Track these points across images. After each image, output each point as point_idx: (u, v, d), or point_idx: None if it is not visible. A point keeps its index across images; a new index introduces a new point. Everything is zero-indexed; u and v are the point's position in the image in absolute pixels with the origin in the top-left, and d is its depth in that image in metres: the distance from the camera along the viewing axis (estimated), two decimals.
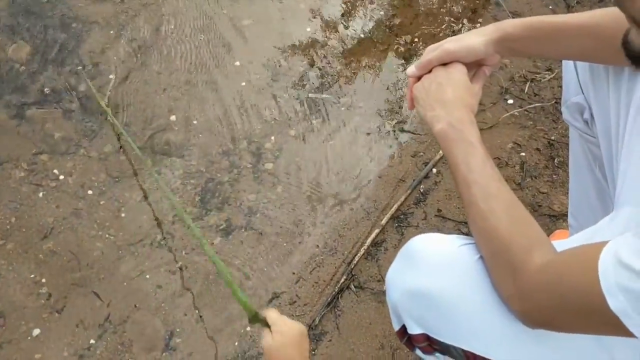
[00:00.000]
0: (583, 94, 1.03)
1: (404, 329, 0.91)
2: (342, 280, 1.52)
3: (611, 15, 0.88)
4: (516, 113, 1.86)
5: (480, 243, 0.83)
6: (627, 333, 0.65)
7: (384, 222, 1.62)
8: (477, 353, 0.83)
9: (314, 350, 1.42)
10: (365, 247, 1.58)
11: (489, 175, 0.83)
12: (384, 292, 1.51)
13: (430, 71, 0.98)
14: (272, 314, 0.92)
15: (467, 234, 1.54)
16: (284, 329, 0.89)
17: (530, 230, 0.79)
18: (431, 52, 0.97)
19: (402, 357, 1.41)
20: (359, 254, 1.57)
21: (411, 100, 1.01)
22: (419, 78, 1.00)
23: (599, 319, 0.67)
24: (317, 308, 1.48)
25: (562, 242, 0.87)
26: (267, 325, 0.91)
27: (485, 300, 0.81)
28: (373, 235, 1.60)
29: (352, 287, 1.52)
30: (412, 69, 1.00)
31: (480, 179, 0.83)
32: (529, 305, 0.76)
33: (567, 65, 1.06)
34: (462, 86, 0.93)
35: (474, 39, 0.95)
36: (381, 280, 1.53)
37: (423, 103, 0.95)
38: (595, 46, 0.90)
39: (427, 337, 0.87)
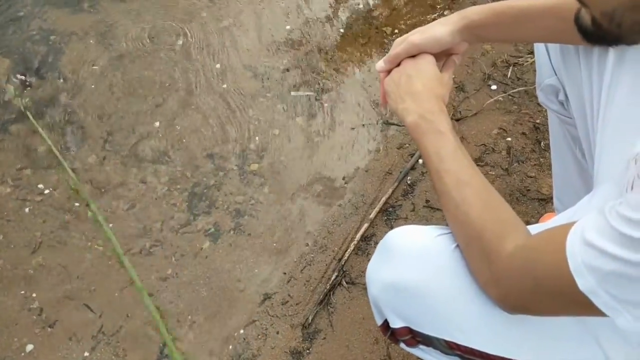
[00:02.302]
0: (556, 75, 1.02)
1: (386, 323, 0.90)
2: (334, 277, 1.51)
3: None
4: (500, 98, 1.85)
5: (455, 231, 0.83)
6: (598, 312, 0.65)
7: (372, 216, 1.61)
8: (460, 343, 0.83)
9: (308, 349, 1.42)
10: (355, 242, 1.57)
11: (460, 164, 0.83)
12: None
13: (399, 64, 0.97)
14: None
15: None
16: None
17: (503, 215, 0.79)
18: (398, 45, 0.96)
19: (397, 350, 1.40)
20: (349, 250, 1.56)
21: (383, 96, 1.00)
22: (389, 72, 0.99)
23: (571, 300, 0.67)
24: (310, 306, 1.48)
25: (543, 225, 0.87)
26: None
27: (464, 289, 0.81)
28: (362, 230, 1.59)
29: (344, 283, 1.51)
30: (380, 64, 0.99)
31: (452, 168, 0.82)
32: (505, 291, 0.75)
33: (539, 48, 1.05)
34: (431, 77, 0.93)
35: (439, 29, 0.94)
36: None
37: (394, 96, 0.94)
38: (560, 27, 0.89)
39: (409, 330, 0.87)
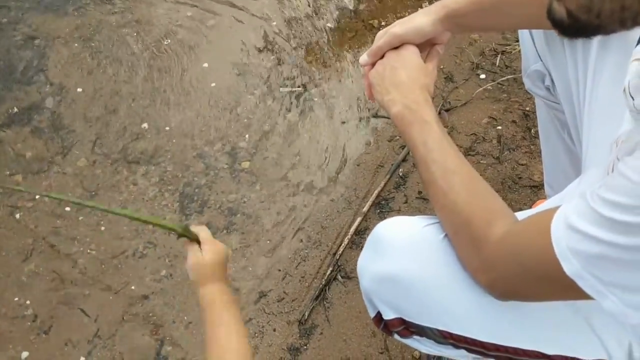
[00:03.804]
0: (541, 61, 1.02)
1: (379, 315, 0.90)
2: (329, 272, 1.51)
3: None
4: (489, 87, 1.85)
5: (443, 220, 0.83)
6: (586, 296, 0.65)
7: (365, 209, 1.61)
8: (452, 331, 0.83)
9: (305, 345, 1.41)
10: (349, 236, 1.57)
11: (446, 153, 0.83)
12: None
13: (383, 57, 0.97)
14: (203, 233, 0.92)
15: None
16: (216, 248, 0.90)
17: (490, 202, 0.79)
18: (380, 38, 0.96)
19: (395, 343, 1.40)
20: (343, 244, 1.55)
21: (369, 89, 1.00)
22: (373, 65, 0.99)
23: (558, 284, 0.67)
24: (306, 302, 1.47)
25: (532, 211, 0.87)
26: (198, 241, 0.91)
27: (454, 278, 0.81)
28: (356, 223, 1.58)
29: (339, 277, 1.51)
30: (364, 58, 0.99)
31: (438, 157, 0.82)
32: (493, 277, 0.75)
33: (523, 35, 1.05)
34: (415, 67, 0.92)
35: (420, 19, 0.94)
36: None
37: (379, 88, 0.94)
38: (540, 13, 0.89)
39: (402, 321, 0.87)
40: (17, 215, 1.63)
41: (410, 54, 0.94)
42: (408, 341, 0.92)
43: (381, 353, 1.39)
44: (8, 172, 1.70)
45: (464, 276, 0.80)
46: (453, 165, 0.81)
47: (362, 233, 1.59)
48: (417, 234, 0.85)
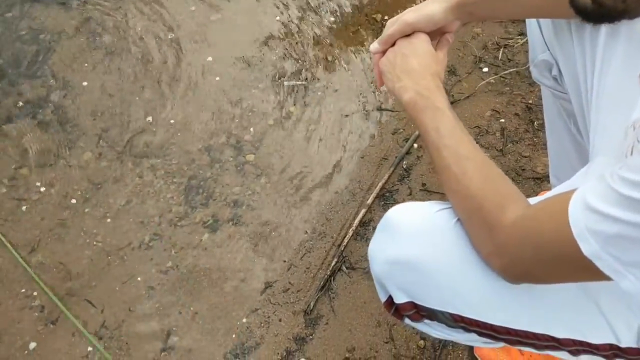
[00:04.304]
0: (549, 50, 1.03)
1: (390, 300, 0.91)
2: (334, 263, 1.52)
3: None
4: (492, 80, 1.86)
5: (455, 205, 0.84)
6: (603, 276, 0.65)
7: (369, 201, 1.62)
8: (464, 315, 0.84)
9: (311, 335, 1.43)
10: (353, 228, 1.58)
11: (459, 138, 0.83)
12: None
13: (393, 45, 0.98)
14: None
15: None
16: None
17: (502, 187, 0.80)
18: (391, 25, 0.97)
19: (400, 332, 1.41)
20: (347, 236, 1.57)
21: (379, 77, 1.01)
22: (384, 53, 1.00)
23: (574, 266, 0.68)
24: (311, 293, 1.49)
25: (539, 197, 0.88)
26: None
27: (466, 262, 0.81)
28: (360, 215, 1.60)
29: (344, 268, 1.52)
30: (375, 46, 1.00)
31: (450, 143, 0.83)
32: (507, 260, 0.76)
33: (531, 24, 1.06)
34: (426, 54, 0.93)
35: (432, 7, 0.95)
36: None
37: (390, 76, 0.95)
38: (551, 2, 0.90)
39: (414, 305, 0.88)
40: (24, 208, 1.64)
41: (421, 41, 0.95)
42: (418, 325, 0.93)
43: (386, 342, 1.40)
44: (14, 166, 1.71)
45: (476, 260, 0.81)
46: (466, 151, 0.82)
47: (366, 225, 1.60)
48: (430, 218, 0.86)
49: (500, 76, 1.86)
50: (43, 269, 1.54)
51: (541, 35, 1.03)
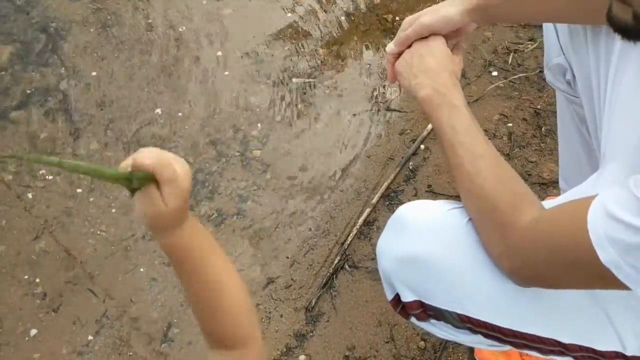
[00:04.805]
0: (564, 54, 1.02)
1: (397, 298, 0.91)
2: (337, 261, 1.52)
3: None
4: (501, 84, 1.85)
5: (468, 204, 0.83)
6: (618, 285, 0.65)
7: (374, 201, 1.62)
8: (471, 316, 0.84)
9: (312, 332, 1.43)
10: (357, 227, 1.58)
11: (474, 137, 0.83)
12: (378, 270, 1.51)
13: (410, 46, 0.98)
14: (163, 171, 0.59)
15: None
16: (179, 188, 0.60)
17: (517, 188, 0.80)
18: (408, 26, 0.97)
19: (401, 332, 1.41)
20: (351, 234, 1.56)
21: (392, 74, 1.01)
22: (399, 54, 1.00)
23: (589, 273, 0.67)
24: (313, 290, 1.49)
25: (551, 202, 0.87)
26: (154, 180, 0.60)
27: (476, 262, 0.81)
28: (365, 214, 1.60)
29: (347, 267, 1.52)
30: (391, 46, 1.00)
31: (465, 141, 0.83)
32: (519, 263, 0.76)
33: (547, 27, 1.06)
34: (443, 54, 0.94)
35: (449, 9, 0.95)
36: (375, 258, 1.53)
37: (406, 75, 0.95)
38: (566, 6, 0.90)
39: (420, 304, 0.87)
40: (30, 195, 1.64)
41: (438, 43, 0.95)
42: (424, 325, 0.93)
43: (387, 342, 1.40)
44: (21, 153, 1.71)
45: (486, 261, 0.81)
46: (481, 150, 0.82)
47: (370, 224, 1.60)
48: (441, 216, 0.86)
49: (510, 80, 1.86)
50: (46, 257, 1.55)
51: (557, 39, 1.03)
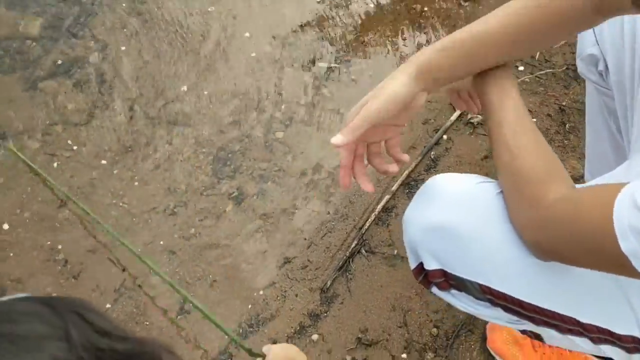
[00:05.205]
0: (598, 45, 1.02)
1: (420, 267, 0.92)
2: (353, 245, 1.53)
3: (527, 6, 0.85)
4: (527, 79, 1.85)
5: (502, 177, 0.85)
6: (634, 274, 0.65)
7: (394, 188, 1.63)
8: (493, 287, 0.84)
9: (326, 312, 1.44)
10: (375, 213, 1.59)
11: (519, 114, 0.84)
12: (395, 256, 1.52)
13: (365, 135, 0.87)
14: (267, 348, 0.88)
15: None
16: (278, 355, 0.86)
17: (552, 165, 0.81)
18: (354, 115, 0.87)
19: (414, 318, 1.42)
20: (369, 220, 1.58)
21: (347, 176, 0.91)
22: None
23: (608, 259, 0.68)
24: (329, 272, 1.50)
25: (578, 186, 0.88)
26: (263, 356, 0.88)
27: (503, 236, 0.82)
28: (384, 201, 1.60)
29: (363, 251, 1.53)
30: (338, 138, 0.85)
31: (510, 117, 0.84)
32: (541, 237, 0.77)
33: None
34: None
35: (392, 84, 0.86)
36: (392, 244, 1.54)
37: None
38: (513, 51, 0.88)
39: (443, 273, 0.88)
40: (55, 164, 1.67)
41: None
42: (445, 295, 0.93)
43: (399, 327, 1.41)
44: (49, 122, 1.74)
45: (513, 234, 0.82)
46: (522, 128, 0.83)
47: (389, 211, 1.60)
48: (472, 188, 0.87)
49: (536, 76, 1.85)
50: (69, 225, 1.58)
51: (592, 29, 1.02)
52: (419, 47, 1.98)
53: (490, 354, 1.36)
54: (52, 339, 0.49)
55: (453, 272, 0.87)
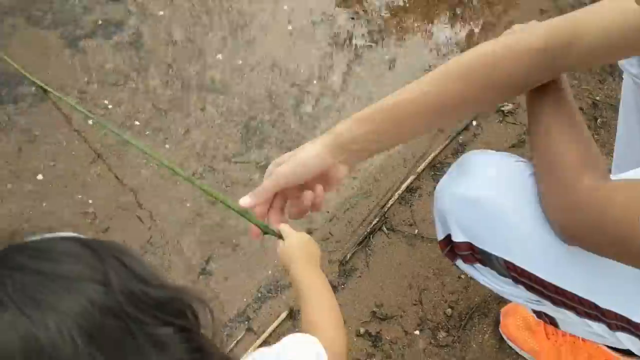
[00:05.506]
0: None
1: (447, 239, 0.94)
2: (375, 221, 1.55)
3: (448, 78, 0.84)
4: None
5: (538, 158, 0.86)
6: None
7: (420, 169, 1.64)
8: (518, 264, 0.86)
9: (343, 285, 1.47)
10: (399, 192, 1.60)
11: (561, 97, 0.85)
12: (415, 236, 1.54)
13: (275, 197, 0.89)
14: (284, 227, 0.93)
15: None
16: (294, 237, 0.92)
17: (589, 154, 0.81)
18: (273, 168, 0.88)
19: (429, 297, 1.44)
20: (393, 199, 1.59)
21: (254, 232, 0.93)
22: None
23: (631, 253, 0.69)
24: (349, 246, 1.53)
25: (623, 175, 0.89)
26: (280, 236, 0.93)
27: (534, 216, 0.84)
28: (408, 181, 1.62)
29: (384, 229, 1.55)
30: (246, 200, 0.88)
31: (551, 100, 0.85)
32: (568, 222, 0.78)
33: None
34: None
35: (307, 151, 0.85)
36: (413, 224, 1.56)
37: None
38: (443, 119, 0.89)
39: (470, 246, 0.90)
40: (90, 122, 1.71)
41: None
42: (469, 268, 0.95)
43: (414, 304, 1.44)
44: (86, 79, 1.78)
45: (543, 215, 0.83)
46: (564, 109, 0.84)
47: (413, 191, 1.62)
48: (507, 165, 0.89)
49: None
50: (100, 181, 1.62)
51: None
52: (455, 32, 1.98)
53: (502, 338, 1.38)
54: (91, 282, 0.51)
55: (480, 246, 0.89)
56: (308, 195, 0.87)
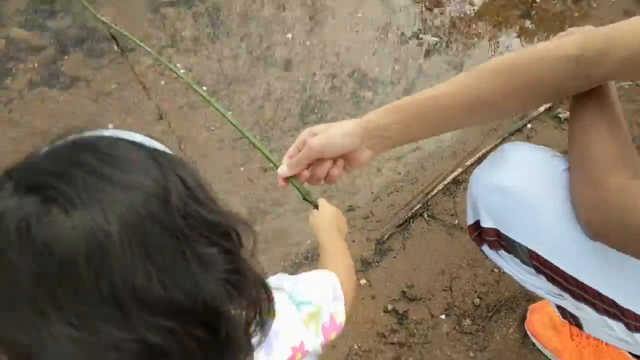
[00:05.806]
0: None
1: (476, 224, 0.97)
2: (417, 207, 1.59)
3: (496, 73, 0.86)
4: (626, 86, 1.82)
5: (572, 152, 0.88)
6: None
7: (468, 163, 1.67)
8: (541, 254, 0.88)
9: (377, 262, 1.52)
10: (445, 182, 1.64)
11: (602, 97, 0.87)
12: (455, 226, 1.57)
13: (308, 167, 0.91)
14: (321, 200, 1.03)
15: None
16: (328, 209, 1.02)
17: (623, 151, 0.82)
18: (300, 145, 0.90)
19: (460, 285, 1.47)
20: (437, 188, 1.63)
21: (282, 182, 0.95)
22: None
23: None
24: (388, 227, 1.57)
25: None
26: (317, 206, 1.02)
27: (563, 210, 0.86)
28: (456, 173, 1.65)
29: (425, 216, 1.59)
30: (283, 169, 0.92)
31: (592, 100, 0.87)
32: (596, 218, 0.80)
33: None
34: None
35: (338, 129, 0.87)
36: (455, 215, 1.59)
37: None
38: (465, 120, 0.90)
39: (497, 233, 0.93)
40: (162, 82, 1.82)
41: None
42: (493, 254, 0.99)
43: (444, 290, 1.47)
44: (163, 44, 1.90)
45: (571, 210, 0.85)
46: (604, 109, 0.85)
47: (458, 183, 1.65)
48: (543, 159, 0.91)
49: (636, 83, 1.82)
50: (163, 138, 1.73)
51: None
52: (523, 41, 1.99)
53: (526, 334, 1.39)
54: (152, 196, 0.51)
55: (506, 233, 0.92)
56: (325, 166, 0.90)
